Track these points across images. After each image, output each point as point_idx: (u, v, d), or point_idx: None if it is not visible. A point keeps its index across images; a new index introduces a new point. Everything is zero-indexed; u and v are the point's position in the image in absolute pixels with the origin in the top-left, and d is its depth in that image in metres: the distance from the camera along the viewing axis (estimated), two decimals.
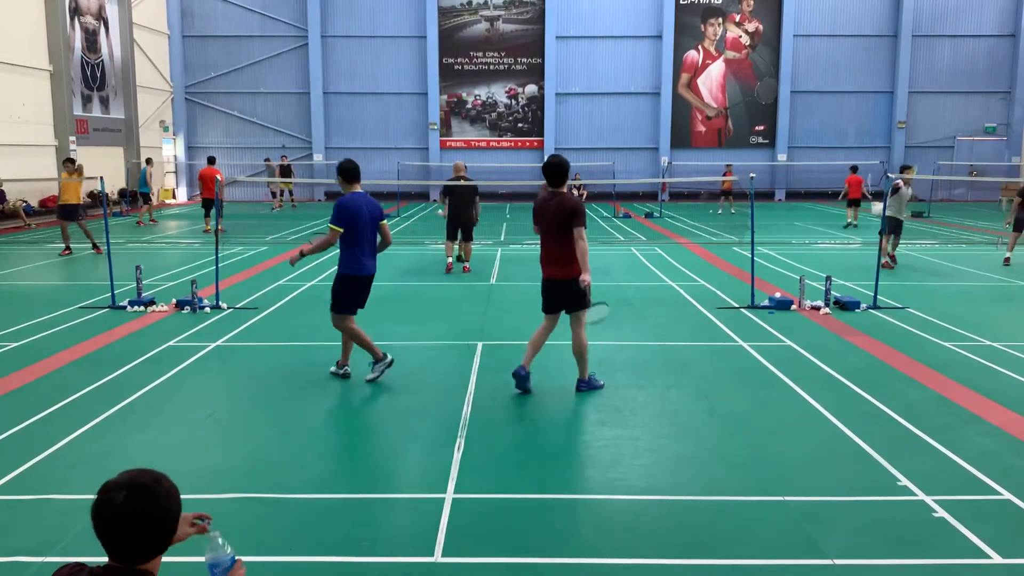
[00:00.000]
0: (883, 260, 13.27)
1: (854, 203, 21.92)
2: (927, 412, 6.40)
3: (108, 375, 7.41)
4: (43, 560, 4.12)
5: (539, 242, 6.95)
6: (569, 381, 7.31)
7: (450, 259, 13.68)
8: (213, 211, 20.62)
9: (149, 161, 24.15)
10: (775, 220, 24.16)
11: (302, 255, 7.05)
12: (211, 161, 22.49)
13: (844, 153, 32.49)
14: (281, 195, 29.08)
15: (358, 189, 7.13)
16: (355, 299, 7.19)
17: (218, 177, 12.75)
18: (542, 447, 5.73)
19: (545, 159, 7.15)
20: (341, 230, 6.91)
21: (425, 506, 4.74)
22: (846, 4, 32.30)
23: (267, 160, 30.80)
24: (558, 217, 6.64)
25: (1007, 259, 14.46)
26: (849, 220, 21.89)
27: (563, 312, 6.89)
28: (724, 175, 27.23)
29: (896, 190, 13.85)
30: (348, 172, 7.09)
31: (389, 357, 7.27)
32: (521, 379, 6.84)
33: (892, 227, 13.89)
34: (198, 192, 32.72)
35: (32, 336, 8.97)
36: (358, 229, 6.98)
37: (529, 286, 12.28)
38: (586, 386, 7.04)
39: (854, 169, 22.75)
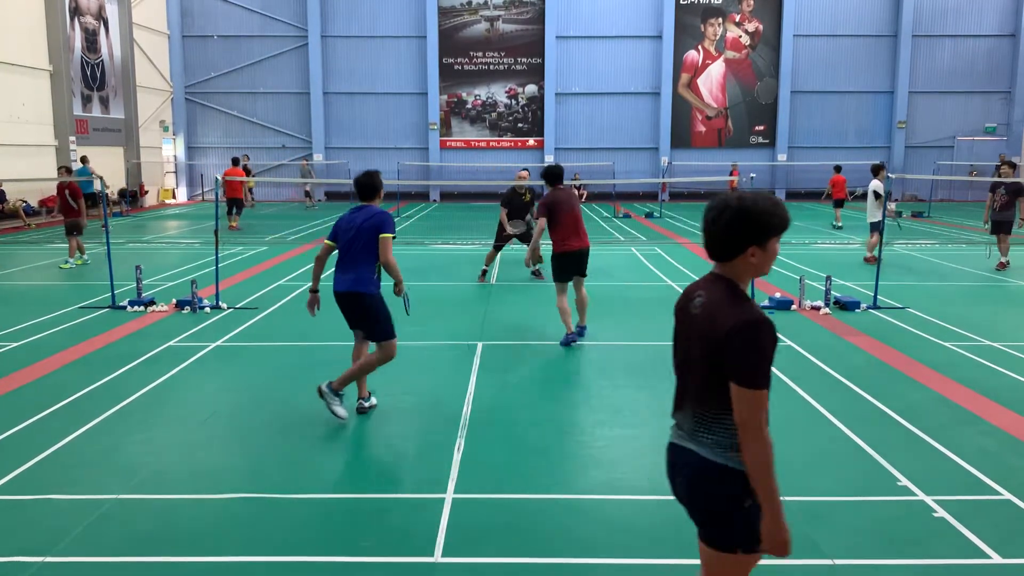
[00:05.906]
0: (868, 255, 14.36)
1: (839, 203, 21.98)
2: (927, 412, 6.40)
3: (108, 375, 7.41)
4: (43, 560, 4.11)
5: (560, 225, 8.37)
6: (569, 380, 7.34)
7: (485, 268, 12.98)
8: (234, 209, 20.98)
9: (84, 159, 22.51)
10: None
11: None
12: (235, 162, 22.61)
13: (844, 153, 32.46)
14: (311, 195, 29.95)
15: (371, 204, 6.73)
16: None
17: (216, 177, 12.70)
18: (542, 447, 5.73)
19: (545, 159, 7.97)
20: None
21: (425, 506, 4.74)
22: (846, 4, 32.27)
23: (304, 160, 31.03)
24: (578, 201, 8.65)
25: (1001, 263, 13.91)
26: (836, 222, 21.85)
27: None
28: (731, 174, 27.24)
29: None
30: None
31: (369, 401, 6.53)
32: (571, 340, 8.50)
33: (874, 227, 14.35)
34: (199, 193, 33.07)
35: (32, 336, 8.97)
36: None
37: (529, 286, 12.33)
38: (578, 334, 8.62)
39: (838, 169, 22.81)
